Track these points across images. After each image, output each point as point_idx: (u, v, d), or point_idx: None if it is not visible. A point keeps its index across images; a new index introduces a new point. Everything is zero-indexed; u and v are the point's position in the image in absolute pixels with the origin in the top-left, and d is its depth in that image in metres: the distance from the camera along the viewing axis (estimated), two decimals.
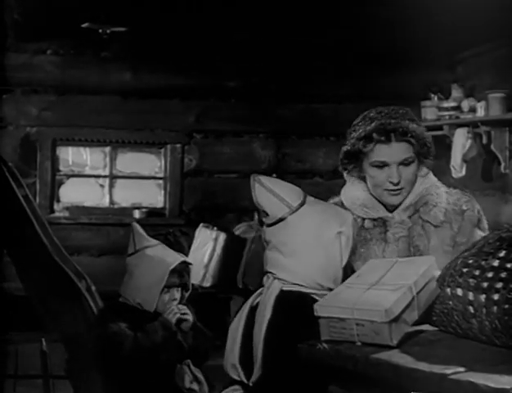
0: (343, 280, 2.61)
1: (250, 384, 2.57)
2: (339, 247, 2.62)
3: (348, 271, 2.73)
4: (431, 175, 2.80)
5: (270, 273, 2.65)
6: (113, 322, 3.01)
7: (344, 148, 2.74)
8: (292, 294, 2.60)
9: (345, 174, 2.83)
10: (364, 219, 2.76)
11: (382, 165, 2.68)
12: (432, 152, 2.73)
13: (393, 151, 2.65)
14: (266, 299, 2.60)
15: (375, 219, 2.75)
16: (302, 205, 2.63)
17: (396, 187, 2.68)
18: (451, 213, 2.72)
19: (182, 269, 3.17)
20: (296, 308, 2.58)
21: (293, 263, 2.60)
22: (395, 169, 2.66)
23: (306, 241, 2.60)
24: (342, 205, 2.79)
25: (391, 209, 2.75)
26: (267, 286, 2.62)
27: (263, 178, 2.71)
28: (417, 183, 2.74)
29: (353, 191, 2.80)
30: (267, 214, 2.66)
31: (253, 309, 2.65)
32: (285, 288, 2.60)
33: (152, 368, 3.00)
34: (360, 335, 2.14)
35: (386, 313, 2.12)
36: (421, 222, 2.72)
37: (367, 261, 2.66)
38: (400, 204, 2.73)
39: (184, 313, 3.12)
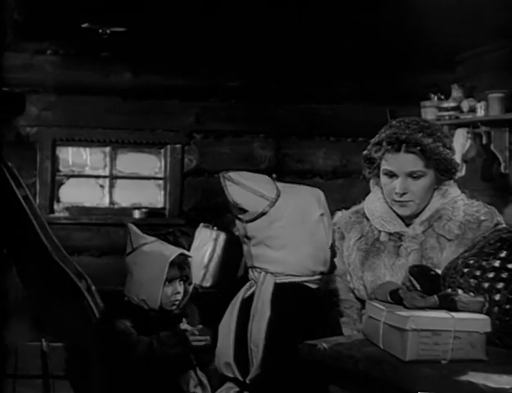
0: (332, 260, 2.66)
1: (247, 381, 2.57)
2: (323, 229, 2.65)
3: (339, 255, 2.76)
4: (453, 190, 2.75)
5: (258, 268, 2.64)
6: (119, 321, 3.02)
7: (364, 152, 2.76)
8: (287, 287, 2.60)
9: (371, 182, 2.84)
10: (380, 232, 2.74)
11: (391, 175, 2.68)
12: (452, 171, 2.70)
13: (401, 162, 2.65)
14: (262, 295, 2.60)
15: (391, 233, 2.73)
16: (279, 195, 2.64)
17: (401, 199, 2.67)
18: (466, 225, 2.68)
19: (182, 262, 3.18)
20: (293, 302, 2.59)
21: (283, 255, 2.61)
22: (401, 180, 2.65)
23: (293, 231, 2.61)
24: (364, 214, 2.79)
25: (408, 223, 2.73)
26: (260, 282, 2.62)
27: (233, 175, 2.71)
28: (434, 198, 2.72)
29: (373, 202, 2.79)
30: (245, 211, 2.66)
31: (244, 303, 2.65)
32: (278, 281, 2.61)
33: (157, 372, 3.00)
34: (454, 350, 2.03)
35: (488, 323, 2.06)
36: (436, 236, 2.69)
37: (375, 273, 2.67)
38: (416, 218, 2.71)
39: (200, 340, 3.09)
